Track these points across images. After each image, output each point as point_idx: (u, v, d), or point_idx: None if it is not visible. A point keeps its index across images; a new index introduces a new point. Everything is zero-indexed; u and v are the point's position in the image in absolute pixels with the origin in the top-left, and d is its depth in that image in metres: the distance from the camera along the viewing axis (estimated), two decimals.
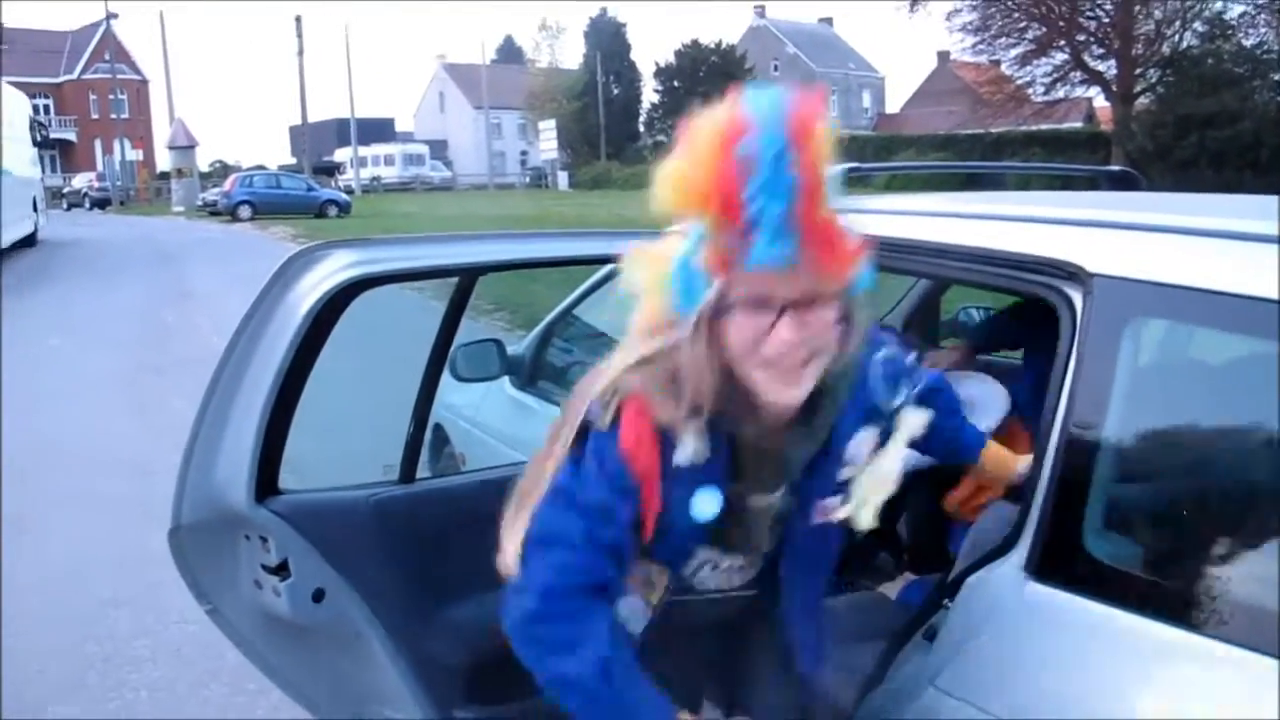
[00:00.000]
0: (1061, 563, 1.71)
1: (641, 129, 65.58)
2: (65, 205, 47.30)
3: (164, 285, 16.62)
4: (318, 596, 2.27)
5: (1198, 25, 30.29)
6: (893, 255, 2.38)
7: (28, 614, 4.46)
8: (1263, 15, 29.14)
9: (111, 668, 4.09)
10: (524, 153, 73.46)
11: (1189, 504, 1.65)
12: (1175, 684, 1.51)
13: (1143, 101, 30.85)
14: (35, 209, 23.81)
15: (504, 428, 3.93)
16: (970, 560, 1.88)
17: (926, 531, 3.23)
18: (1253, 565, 1.54)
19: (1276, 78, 29.72)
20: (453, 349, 3.40)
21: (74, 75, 67.46)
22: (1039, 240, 1.96)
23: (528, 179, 65.51)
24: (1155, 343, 1.81)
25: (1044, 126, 35.89)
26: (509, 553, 1.67)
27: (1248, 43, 30.07)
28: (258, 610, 2.32)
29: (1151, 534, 1.67)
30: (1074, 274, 1.83)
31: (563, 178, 56.73)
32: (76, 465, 6.79)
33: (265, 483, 2.14)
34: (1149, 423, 1.75)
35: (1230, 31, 30.06)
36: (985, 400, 2.58)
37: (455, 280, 2.37)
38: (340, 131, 62.33)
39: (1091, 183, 3.23)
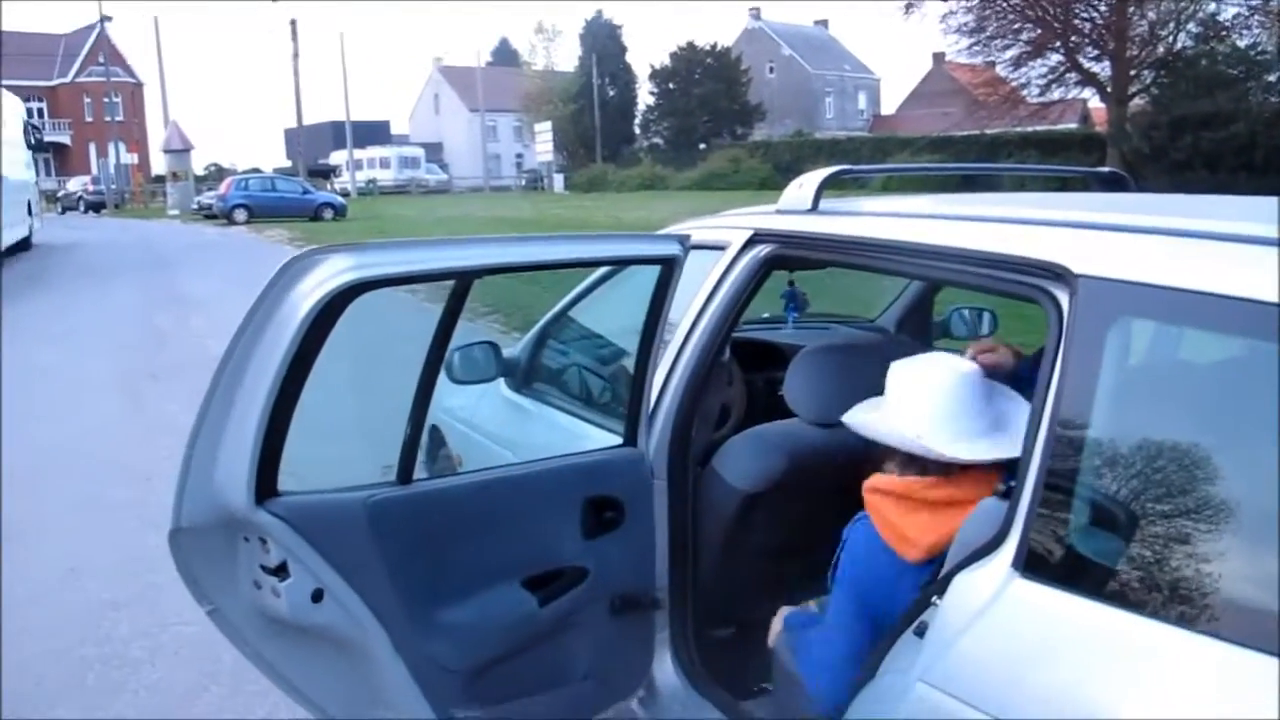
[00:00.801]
0: (1049, 560, 1.73)
1: (637, 131, 65.60)
2: (60, 209, 47.22)
3: (160, 289, 16.61)
4: (317, 597, 2.28)
5: (1192, 26, 30.34)
6: (885, 257, 2.41)
7: (27, 617, 4.48)
8: (1256, 16, 29.21)
9: (110, 669, 4.11)
10: (519, 155, 73.41)
11: (1175, 501, 1.68)
12: (1162, 680, 1.52)
13: (1137, 103, 30.87)
14: (30, 213, 23.76)
15: (499, 430, 3.95)
16: (960, 557, 1.91)
17: None
18: (1239, 562, 1.56)
19: (1271, 79, 29.78)
20: (449, 351, 3.42)
21: (68, 78, 67.37)
22: (1026, 241, 1.99)
23: (523, 181, 65.45)
24: (1141, 342, 1.84)
25: (1039, 128, 35.90)
26: None
27: (1242, 44, 30.12)
28: (257, 611, 2.34)
29: (1138, 531, 1.69)
30: (1060, 275, 1.85)
31: (558, 180, 56.69)
32: (74, 469, 6.80)
33: (264, 484, 2.16)
34: (1135, 421, 1.77)
35: (1224, 33, 30.08)
36: (1016, 419, 2.19)
37: (451, 283, 2.39)
38: (336, 134, 62.25)
39: (1082, 183, 3.26)
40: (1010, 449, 2.07)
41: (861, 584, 2.25)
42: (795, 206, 2.71)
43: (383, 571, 2.34)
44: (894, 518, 2.21)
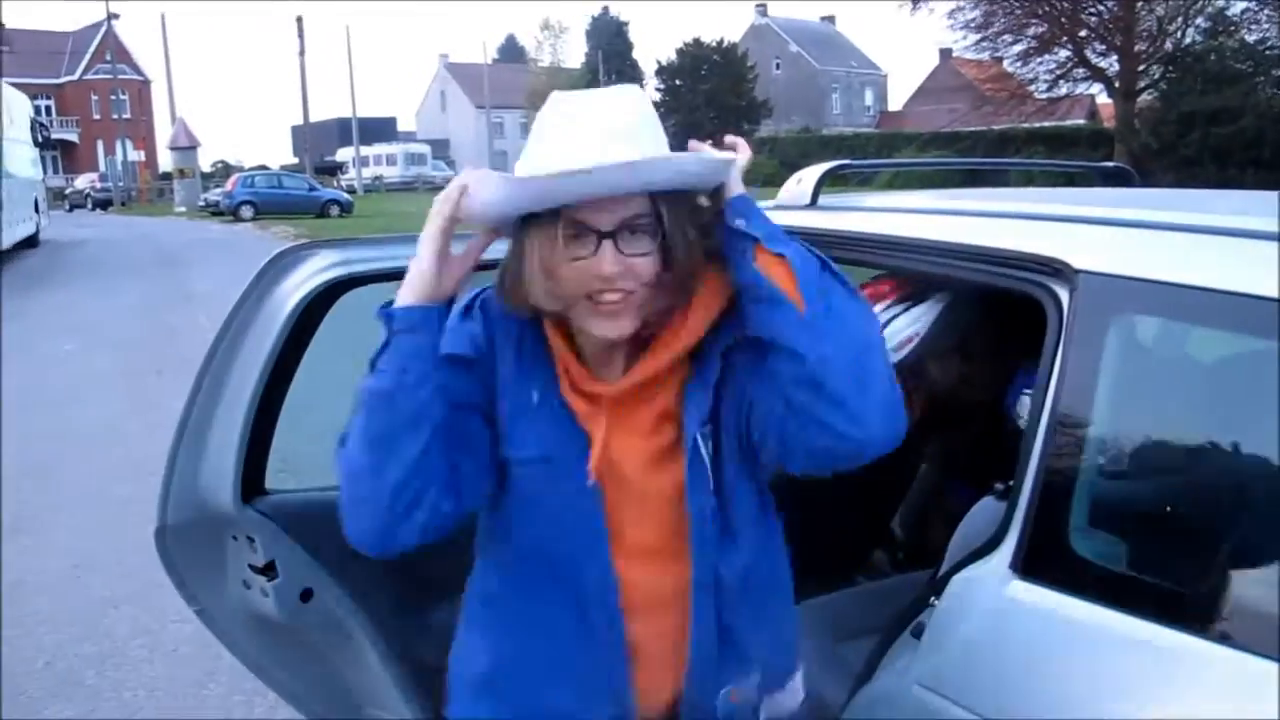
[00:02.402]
0: (1047, 561, 1.70)
1: None
2: (68, 206, 47.41)
3: (166, 286, 16.62)
4: (305, 596, 2.26)
5: (1200, 21, 30.26)
6: (882, 252, 2.38)
7: (26, 614, 4.49)
8: (1265, 11, 29.06)
9: (109, 667, 4.10)
10: None
11: (1175, 502, 1.64)
12: (1160, 682, 1.50)
13: (1145, 98, 30.79)
14: (37, 210, 23.87)
15: None
16: (957, 557, 1.88)
17: (920, 527, 3.22)
18: (1239, 563, 1.54)
19: (1278, 74, 29.67)
20: None
21: (75, 76, 67.56)
22: (1026, 237, 1.95)
23: None
24: (1142, 339, 1.80)
25: (1047, 123, 35.82)
26: None
27: (1250, 39, 30.01)
28: (246, 610, 2.32)
29: (1137, 532, 1.66)
30: (1060, 270, 1.82)
31: None
32: (78, 466, 6.82)
33: (251, 483, 2.13)
34: (1135, 420, 1.74)
35: (1232, 28, 29.99)
36: None
37: None
38: (342, 131, 62.26)
39: (1086, 179, 3.23)
40: None
41: None
42: (794, 202, 2.68)
43: (372, 570, 2.31)
44: None
